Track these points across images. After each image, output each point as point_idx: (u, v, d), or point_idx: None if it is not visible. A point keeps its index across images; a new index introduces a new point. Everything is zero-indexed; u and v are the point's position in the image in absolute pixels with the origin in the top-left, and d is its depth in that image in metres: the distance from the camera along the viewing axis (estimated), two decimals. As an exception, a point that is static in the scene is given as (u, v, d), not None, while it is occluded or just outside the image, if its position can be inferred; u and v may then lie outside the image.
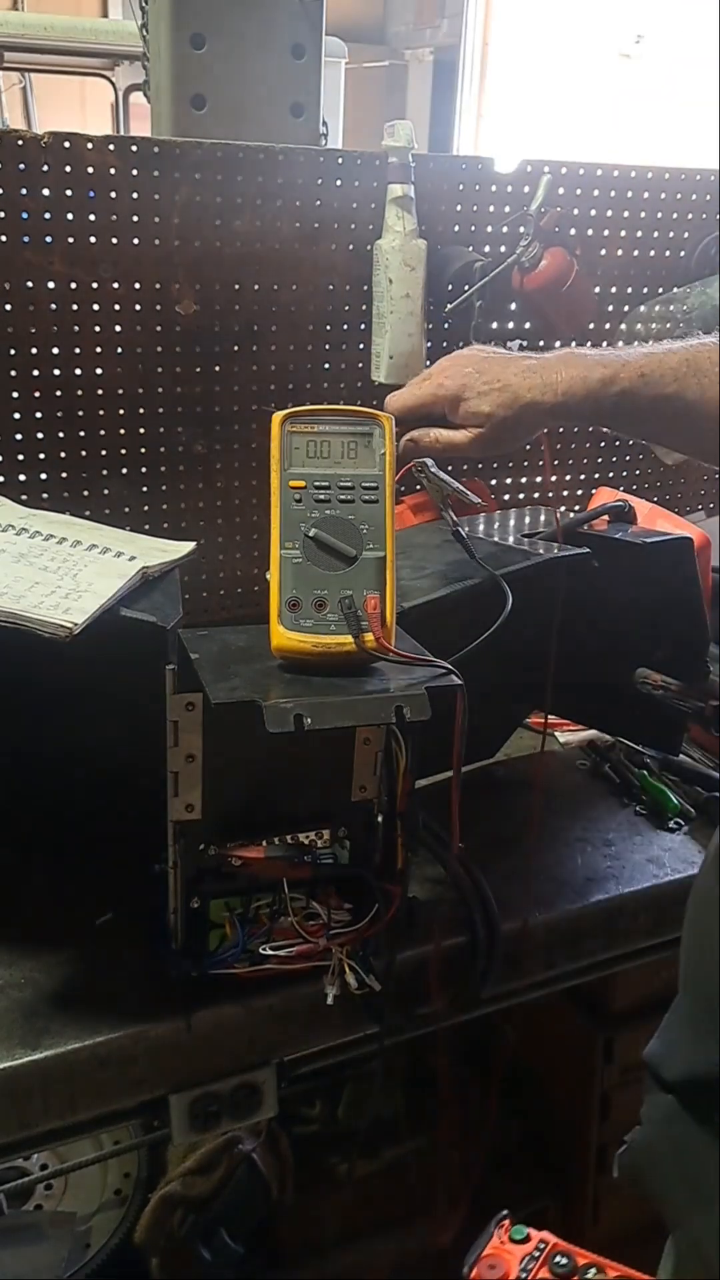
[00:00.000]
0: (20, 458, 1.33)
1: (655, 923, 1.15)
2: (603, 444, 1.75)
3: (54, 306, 1.28)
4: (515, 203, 1.51)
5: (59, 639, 0.80)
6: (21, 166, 1.21)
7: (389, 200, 1.40)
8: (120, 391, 1.36)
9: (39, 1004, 0.93)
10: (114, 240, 1.29)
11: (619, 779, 1.32)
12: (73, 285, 1.29)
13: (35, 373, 1.30)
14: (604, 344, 1.69)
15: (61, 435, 1.34)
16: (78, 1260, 1.38)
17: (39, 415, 1.32)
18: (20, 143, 1.21)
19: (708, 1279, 0.79)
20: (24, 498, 1.32)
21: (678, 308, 1.67)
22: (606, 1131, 1.45)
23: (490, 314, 1.52)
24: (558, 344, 1.62)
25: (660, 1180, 0.84)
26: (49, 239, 1.25)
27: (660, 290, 1.69)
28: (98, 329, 1.32)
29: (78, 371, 1.32)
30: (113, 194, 1.27)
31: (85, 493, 1.38)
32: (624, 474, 1.80)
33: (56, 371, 1.31)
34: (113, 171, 1.26)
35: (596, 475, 1.78)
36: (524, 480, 1.72)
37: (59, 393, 1.32)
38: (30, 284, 1.26)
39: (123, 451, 1.39)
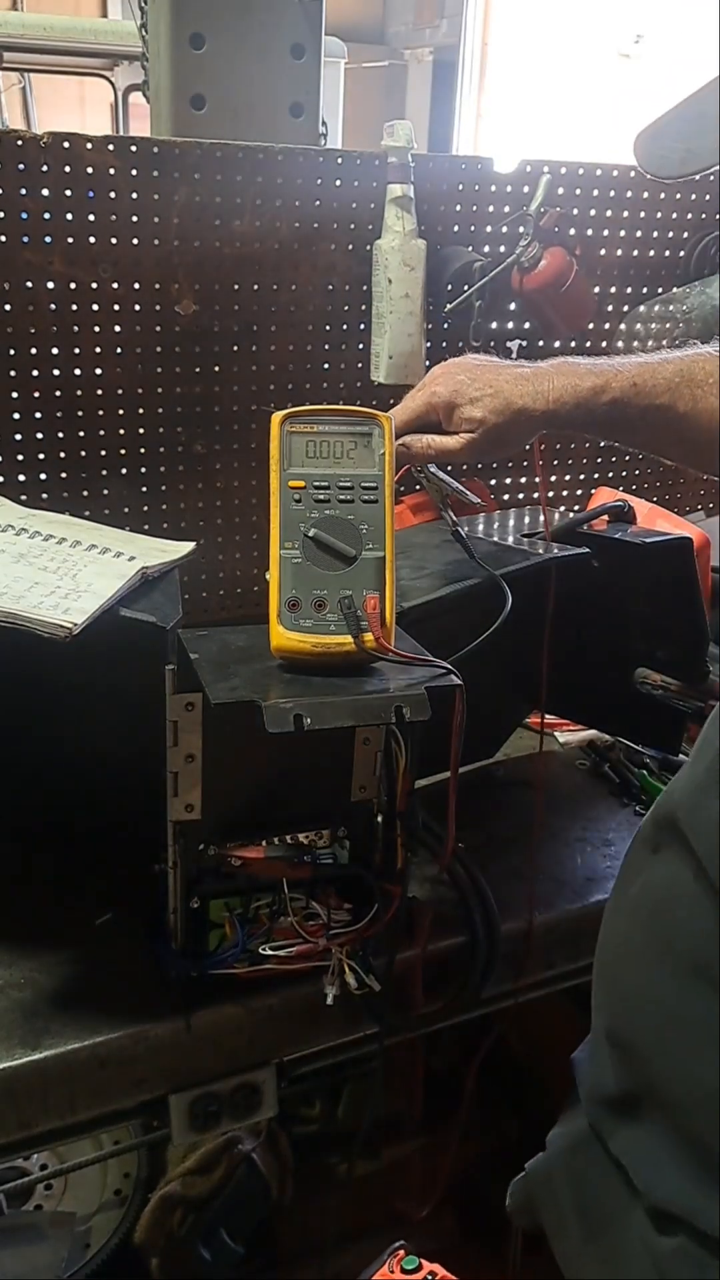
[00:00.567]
0: (20, 458, 1.33)
1: (655, 923, 1.15)
2: (602, 444, 1.75)
3: (54, 306, 1.28)
4: (515, 203, 1.51)
5: (59, 639, 0.80)
6: (21, 166, 1.21)
7: (388, 200, 1.40)
8: (120, 391, 1.36)
9: (39, 1004, 0.93)
10: (114, 240, 1.29)
11: (619, 779, 1.32)
12: (73, 285, 1.29)
13: (35, 373, 1.30)
14: (604, 344, 1.69)
15: (61, 435, 1.34)
16: (78, 1260, 1.38)
17: (39, 415, 1.32)
18: (20, 143, 1.21)
19: None
20: (24, 498, 1.32)
21: (677, 308, 1.67)
22: (606, 1131, 1.44)
23: (490, 314, 1.52)
24: (557, 344, 1.62)
25: (553, 1209, 0.84)
26: (49, 239, 1.25)
27: (660, 290, 1.69)
28: (98, 329, 1.32)
29: (78, 371, 1.32)
30: (112, 194, 1.27)
31: (85, 493, 1.38)
32: (624, 474, 1.80)
33: (56, 371, 1.31)
34: (112, 171, 1.26)
35: (596, 475, 1.78)
36: (524, 480, 1.72)
37: (59, 393, 1.32)
38: (30, 284, 1.26)
39: (123, 451, 1.39)
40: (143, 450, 1.40)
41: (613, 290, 1.67)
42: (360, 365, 1.50)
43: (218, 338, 1.39)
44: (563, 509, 1.63)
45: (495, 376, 1.01)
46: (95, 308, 1.31)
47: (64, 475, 1.36)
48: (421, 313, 1.44)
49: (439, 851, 1.09)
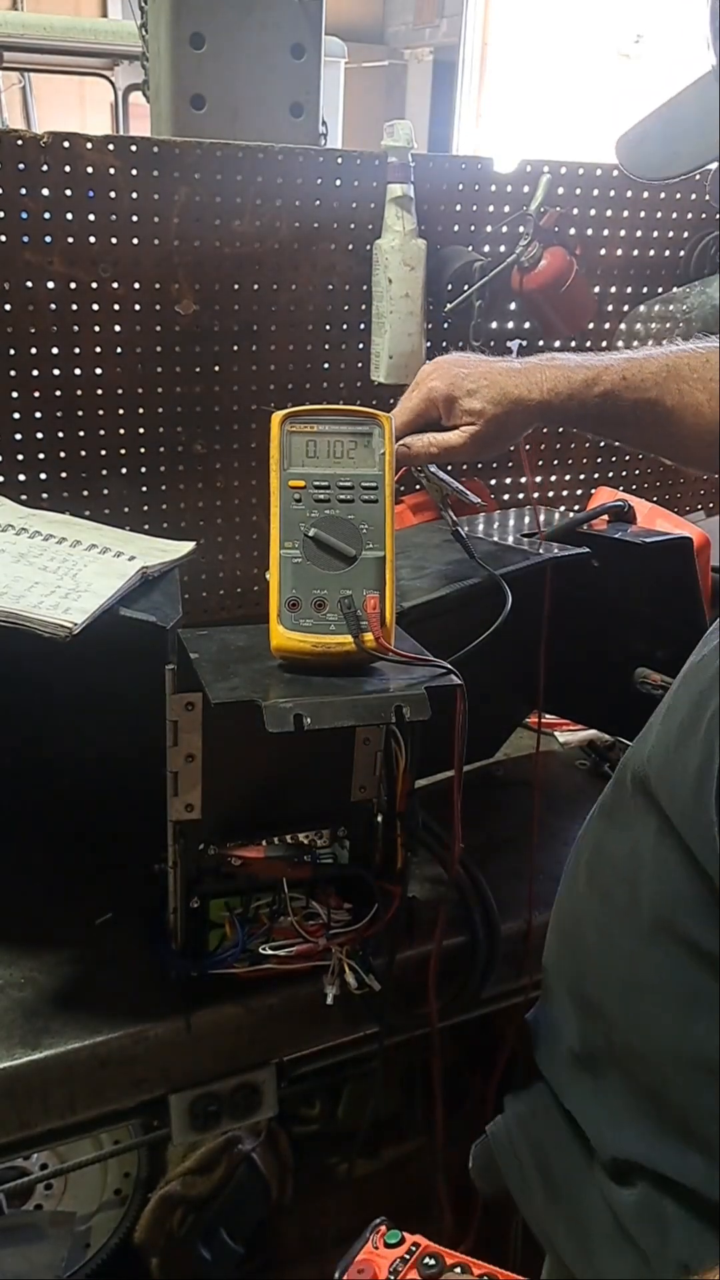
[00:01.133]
0: (20, 458, 1.33)
1: (655, 922, 1.15)
2: (602, 444, 1.75)
3: (54, 306, 1.28)
4: (515, 203, 1.51)
5: (59, 639, 0.80)
6: (21, 166, 1.21)
7: (388, 200, 1.40)
8: (120, 391, 1.36)
9: (39, 1004, 0.93)
10: (114, 240, 1.29)
11: (619, 779, 1.32)
12: (73, 285, 1.29)
13: (35, 373, 1.30)
14: (604, 344, 1.69)
15: (61, 435, 1.34)
16: (78, 1260, 1.38)
17: (39, 415, 1.32)
18: (20, 143, 1.21)
19: (561, 1274, 0.81)
20: (24, 498, 1.32)
21: (677, 307, 1.67)
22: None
23: (490, 314, 1.52)
24: (557, 344, 1.62)
25: (516, 1172, 0.86)
26: (49, 239, 1.25)
27: (660, 290, 1.69)
28: (98, 329, 1.32)
29: (78, 371, 1.32)
30: (112, 194, 1.27)
31: (85, 493, 1.38)
32: (624, 474, 1.80)
33: (56, 371, 1.31)
34: (112, 171, 1.26)
35: (596, 475, 1.78)
36: (524, 480, 1.72)
37: (59, 393, 1.32)
38: (30, 284, 1.26)
39: (123, 451, 1.39)
40: (143, 450, 1.40)
41: (613, 290, 1.67)
42: (360, 365, 1.50)
43: (218, 338, 1.39)
44: (563, 509, 1.63)
45: (489, 369, 1.02)
46: (95, 308, 1.31)
47: (64, 475, 1.36)
48: (421, 313, 1.44)
49: (439, 851, 1.09)
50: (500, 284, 1.47)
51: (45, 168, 1.23)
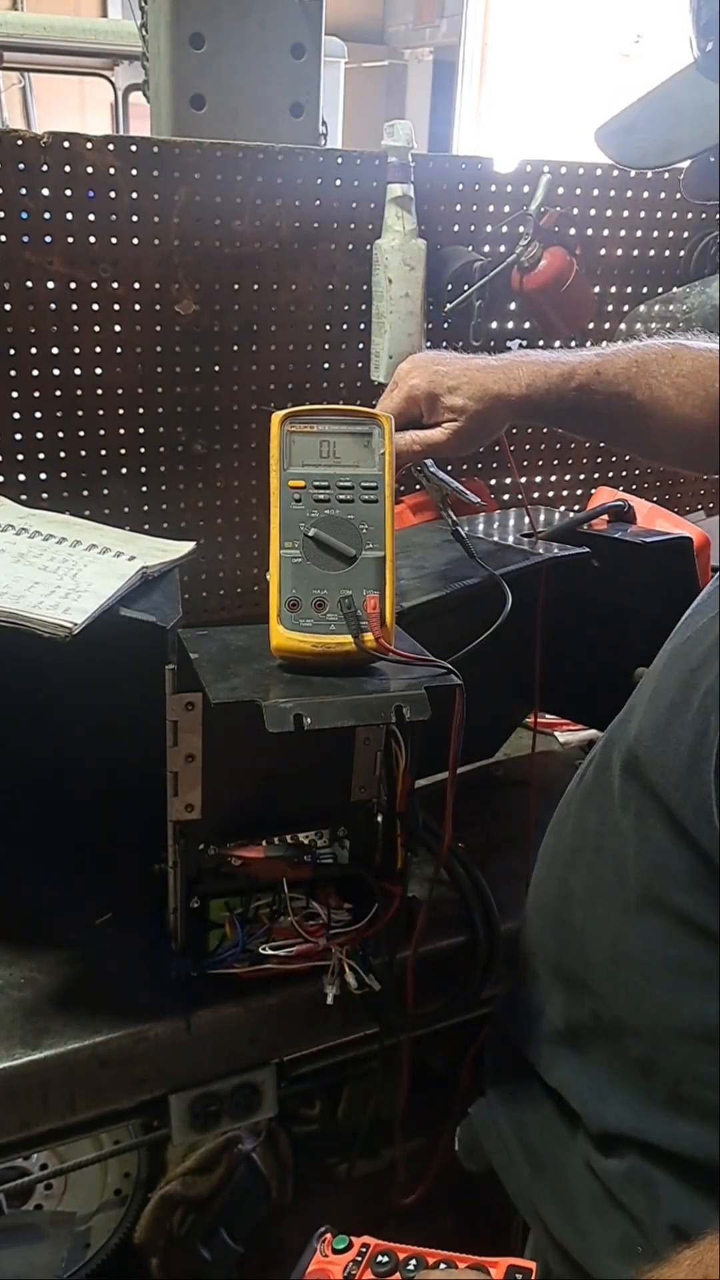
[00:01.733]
0: (20, 458, 1.33)
1: (655, 922, 1.15)
2: (602, 444, 1.75)
3: (54, 306, 1.28)
4: (515, 203, 1.51)
5: (59, 639, 0.80)
6: (21, 166, 1.21)
7: (388, 200, 1.40)
8: (120, 391, 1.36)
9: (39, 1004, 0.93)
10: (114, 240, 1.29)
11: (619, 779, 1.31)
12: (73, 285, 1.29)
13: (35, 373, 1.30)
14: (604, 344, 1.69)
15: (61, 435, 1.34)
16: (78, 1260, 1.38)
17: (39, 415, 1.32)
18: (20, 143, 1.21)
19: (547, 1246, 0.83)
20: (24, 498, 1.32)
21: (677, 307, 1.67)
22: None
23: (490, 314, 1.52)
24: (557, 344, 1.62)
25: (501, 1151, 0.88)
26: (49, 239, 1.25)
27: (660, 290, 1.69)
28: (98, 329, 1.32)
29: (78, 371, 1.32)
30: (112, 194, 1.27)
31: (85, 493, 1.38)
32: (624, 474, 1.80)
33: (56, 371, 1.31)
34: (112, 171, 1.26)
35: (596, 475, 1.78)
36: (524, 480, 1.72)
37: (59, 393, 1.32)
38: (30, 284, 1.26)
39: (123, 451, 1.39)
40: (143, 450, 1.40)
41: (613, 290, 1.67)
42: (360, 365, 1.50)
43: (218, 338, 1.39)
44: (563, 509, 1.63)
45: (467, 366, 1.03)
46: (95, 308, 1.31)
47: (64, 475, 1.36)
48: (421, 312, 1.44)
49: (439, 851, 1.09)
50: (500, 284, 1.47)
51: (45, 168, 1.23)
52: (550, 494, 1.76)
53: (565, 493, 1.77)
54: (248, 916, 0.95)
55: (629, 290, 1.68)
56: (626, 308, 1.68)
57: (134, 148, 1.26)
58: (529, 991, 0.88)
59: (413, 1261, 0.69)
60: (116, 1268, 1.40)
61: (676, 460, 1.12)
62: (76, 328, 1.30)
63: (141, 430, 1.39)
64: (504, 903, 1.06)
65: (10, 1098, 0.88)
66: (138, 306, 1.33)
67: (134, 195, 1.28)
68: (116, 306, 1.32)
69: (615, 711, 1.29)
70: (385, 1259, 0.69)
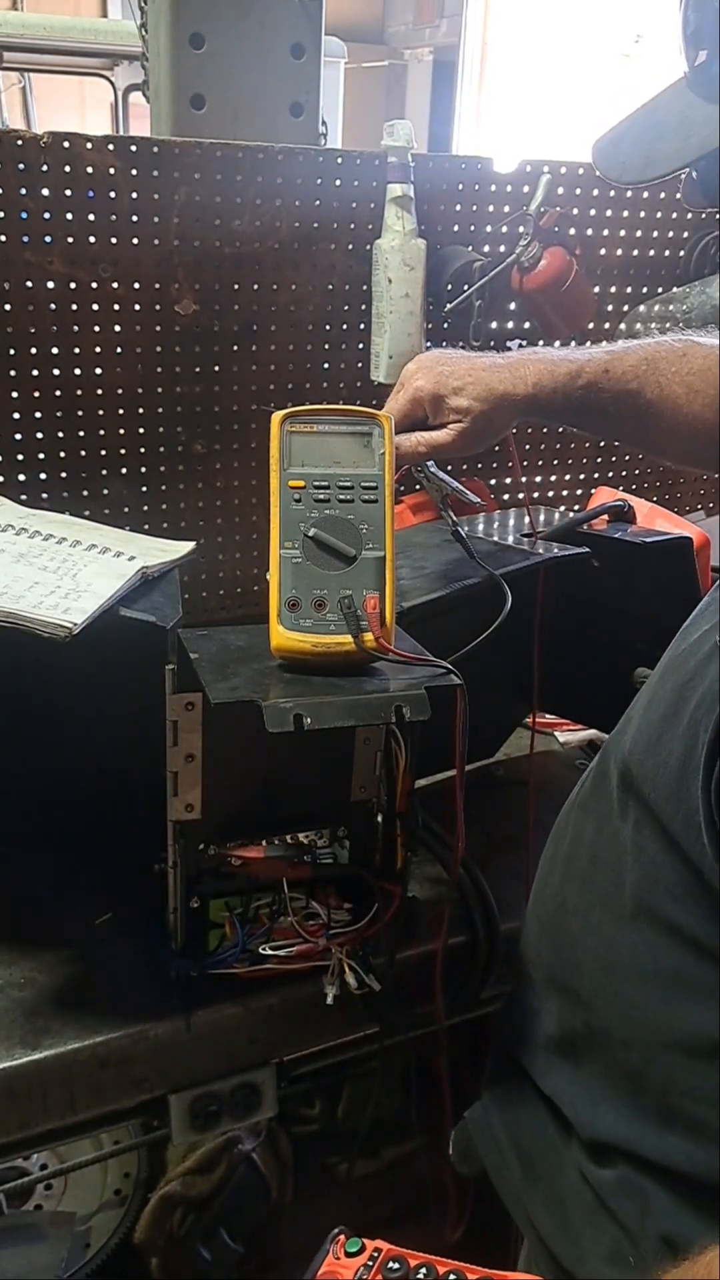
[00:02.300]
0: (20, 458, 1.33)
1: (655, 922, 1.15)
2: (602, 444, 1.75)
3: (54, 306, 1.28)
4: (515, 203, 1.51)
5: (58, 639, 0.80)
6: (21, 166, 1.21)
7: (388, 200, 1.40)
8: (120, 391, 1.36)
9: (39, 1004, 0.93)
10: (114, 240, 1.29)
11: (619, 779, 1.31)
12: (73, 285, 1.28)
13: (35, 373, 1.30)
14: (603, 343, 1.69)
15: (61, 435, 1.34)
16: (78, 1260, 1.38)
17: (39, 415, 1.32)
18: (20, 143, 1.21)
19: (540, 1254, 0.83)
20: (24, 498, 1.32)
21: (677, 307, 1.67)
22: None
23: (490, 314, 1.52)
24: (556, 344, 1.62)
25: (494, 1153, 0.88)
26: (49, 239, 1.25)
27: (660, 290, 1.69)
28: (98, 329, 1.32)
29: (78, 371, 1.32)
30: (112, 194, 1.27)
31: (85, 493, 1.38)
32: (624, 474, 1.80)
33: (56, 371, 1.31)
34: (112, 171, 1.26)
35: (596, 475, 1.78)
36: (524, 480, 1.72)
37: (59, 393, 1.32)
38: (30, 284, 1.26)
39: (123, 451, 1.39)
40: (143, 450, 1.40)
41: (613, 290, 1.67)
42: (360, 365, 1.50)
43: (218, 338, 1.39)
44: (563, 509, 1.63)
45: (472, 365, 1.03)
46: (95, 308, 1.31)
47: (64, 475, 1.36)
48: (421, 313, 1.44)
49: (439, 851, 1.09)
50: (500, 284, 1.47)
51: (45, 168, 1.23)
52: (550, 494, 1.76)
53: (565, 493, 1.77)
54: (248, 916, 0.95)
55: (629, 290, 1.68)
56: (626, 308, 1.68)
57: (134, 148, 1.26)
58: (525, 998, 0.88)
59: (423, 1270, 0.69)
60: (116, 1268, 1.40)
61: (685, 459, 1.11)
62: (76, 328, 1.30)
63: (141, 430, 1.39)
64: (504, 903, 1.06)
65: (10, 1098, 0.88)
66: (138, 306, 1.33)
67: (134, 195, 1.28)
68: (116, 306, 1.32)
69: (615, 711, 1.29)
70: (396, 1265, 0.69)
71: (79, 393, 1.33)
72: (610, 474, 1.79)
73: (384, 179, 1.40)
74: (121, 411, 1.37)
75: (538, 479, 1.73)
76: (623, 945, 0.76)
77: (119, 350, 1.34)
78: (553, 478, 1.75)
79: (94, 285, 1.30)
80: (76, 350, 1.31)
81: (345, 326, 1.47)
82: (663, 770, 0.72)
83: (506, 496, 1.72)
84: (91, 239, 1.28)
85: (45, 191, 1.24)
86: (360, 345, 1.49)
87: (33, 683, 1.00)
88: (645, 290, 1.69)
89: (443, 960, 0.97)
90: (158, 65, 1.37)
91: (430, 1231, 1.47)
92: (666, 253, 1.68)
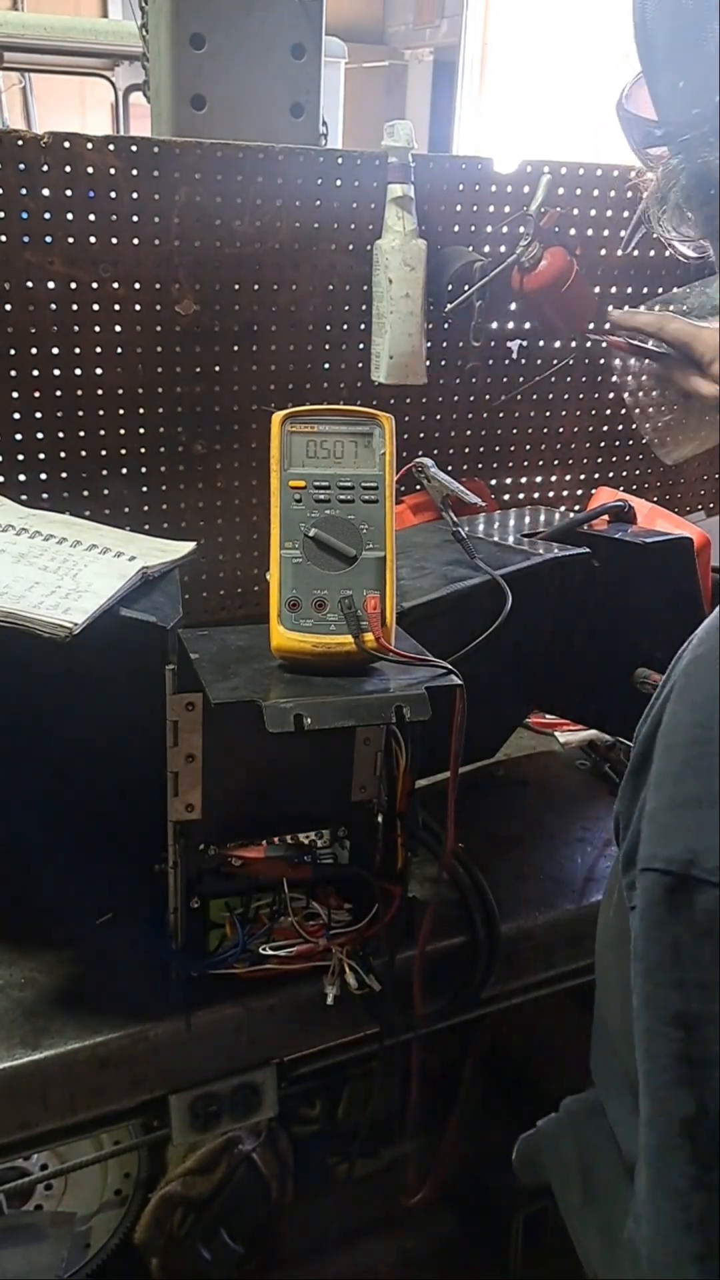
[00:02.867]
0: (20, 458, 1.33)
1: (655, 923, 1.15)
2: (602, 444, 1.76)
3: (54, 306, 1.28)
4: (515, 203, 1.51)
5: (59, 639, 0.81)
6: (21, 166, 1.21)
7: (389, 200, 1.40)
8: (120, 391, 1.36)
9: (39, 1004, 0.93)
10: (114, 240, 1.29)
11: (619, 779, 1.32)
12: (73, 285, 1.29)
13: (35, 373, 1.30)
14: (604, 344, 1.69)
15: (61, 435, 1.34)
16: (78, 1260, 1.38)
17: (39, 415, 1.32)
18: (20, 143, 1.21)
19: (587, 1269, 0.81)
20: (24, 498, 1.32)
21: (678, 308, 1.67)
22: (606, 1131, 1.45)
23: (490, 314, 1.52)
24: (557, 344, 1.62)
25: (560, 1167, 0.87)
26: (49, 239, 1.25)
27: (660, 290, 1.69)
28: (98, 329, 1.32)
29: (78, 371, 1.32)
30: (113, 194, 1.27)
31: (85, 493, 1.38)
32: (624, 474, 1.80)
33: (56, 371, 1.31)
34: (113, 171, 1.26)
35: (596, 475, 1.78)
36: (524, 480, 1.72)
37: (59, 393, 1.32)
38: (30, 284, 1.26)
39: (123, 451, 1.39)
40: (143, 450, 1.40)
41: (613, 290, 1.67)
42: (360, 365, 1.50)
43: (218, 338, 1.39)
44: (563, 509, 1.63)
45: None
46: (95, 308, 1.31)
47: (64, 475, 1.36)
48: (422, 313, 1.44)
49: (439, 851, 1.09)
50: (500, 284, 1.47)
51: (45, 168, 1.23)
52: (550, 494, 1.76)
53: (565, 493, 1.77)
54: (248, 916, 0.95)
55: (629, 290, 1.68)
56: (626, 308, 1.68)
57: (134, 148, 1.26)
58: (601, 1021, 0.87)
59: None
60: (116, 1268, 1.40)
61: None
62: (76, 328, 1.30)
63: (141, 430, 1.39)
64: (504, 903, 1.06)
65: (10, 1098, 0.88)
66: (138, 306, 1.33)
67: (134, 195, 1.28)
68: (116, 306, 1.32)
69: (615, 711, 1.29)
70: None
71: (79, 393, 1.33)
72: (610, 474, 1.79)
73: (384, 179, 1.40)
74: (121, 411, 1.37)
75: (538, 479, 1.73)
76: (610, 968, 0.75)
77: (119, 350, 1.34)
78: (553, 478, 1.75)
79: (94, 285, 1.30)
80: (76, 350, 1.31)
81: (345, 326, 1.47)
82: (623, 827, 0.69)
83: (507, 496, 1.72)
84: (92, 239, 1.28)
85: (45, 191, 1.24)
86: (360, 345, 1.49)
87: (33, 683, 1.00)
88: (645, 290, 1.69)
89: (423, 960, 0.97)
90: (158, 65, 1.37)
91: (429, 1231, 1.48)
92: (667, 253, 1.68)
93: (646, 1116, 0.62)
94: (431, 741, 0.90)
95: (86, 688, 1.00)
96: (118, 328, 1.33)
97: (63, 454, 1.35)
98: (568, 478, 1.76)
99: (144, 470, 1.41)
